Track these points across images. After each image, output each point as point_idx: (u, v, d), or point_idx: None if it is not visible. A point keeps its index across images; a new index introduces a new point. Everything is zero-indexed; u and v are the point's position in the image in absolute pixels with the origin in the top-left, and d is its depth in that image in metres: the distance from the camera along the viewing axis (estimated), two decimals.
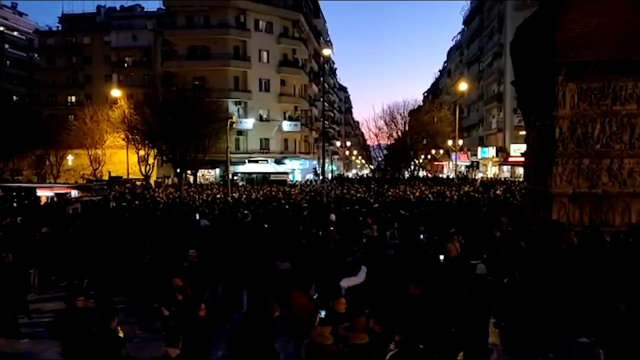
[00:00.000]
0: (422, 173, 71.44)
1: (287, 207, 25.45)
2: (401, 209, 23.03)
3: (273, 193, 35.50)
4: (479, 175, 65.13)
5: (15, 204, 28.00)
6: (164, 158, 41.68)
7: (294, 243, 14.16)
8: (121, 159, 49.88)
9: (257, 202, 29.56)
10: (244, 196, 34.06)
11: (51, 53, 77.24)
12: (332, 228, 15.63)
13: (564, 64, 17.67)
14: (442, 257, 11.90)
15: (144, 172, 47.35)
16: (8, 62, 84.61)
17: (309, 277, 10.47)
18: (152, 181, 48.91)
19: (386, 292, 9.91)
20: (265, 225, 18.31)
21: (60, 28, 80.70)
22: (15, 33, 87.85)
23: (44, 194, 32.08)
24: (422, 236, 15.16)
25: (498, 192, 34.47)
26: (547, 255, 12.04)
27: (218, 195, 34.64)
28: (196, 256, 11.99)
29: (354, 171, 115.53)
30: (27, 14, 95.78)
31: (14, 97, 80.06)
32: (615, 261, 11.34)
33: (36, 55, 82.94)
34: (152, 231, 16.68)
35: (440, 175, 72.32)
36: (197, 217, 21.25)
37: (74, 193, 33.26)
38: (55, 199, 30.30)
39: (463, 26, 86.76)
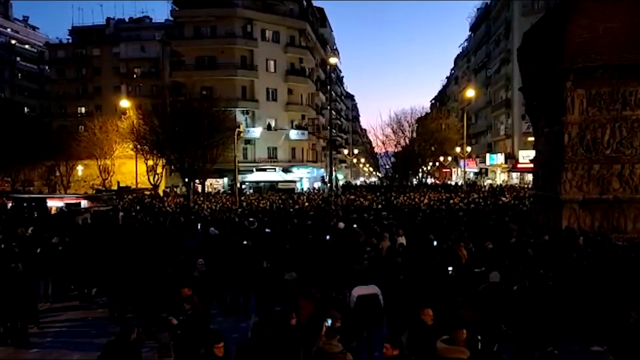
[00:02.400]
0: (430, 180, 71.22)
1: (294, 215, 25.45)
2: (410, 217, 22.96)
3: (280, 202, 35.49)
4: (488, 182, 64.82)
5: (26, 215, 28.15)
6: (172, 167, 41.80)
7: (301, 251, 14.14)
8: (130, 169, 50.05)
9: (265, 210, 29.59)
10: (254, 205, 34.08)
11: (61, 65, 78.15)
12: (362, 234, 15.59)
13: (573, 69, 17.62)
14: (450, 268, 11.76)
15: (152, 182, 47.53)
16: (19, 74, 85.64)
17: (318, 286, 10.43)
18: (160, 191, 49.06)
19: (395, 302, 9.84)
20: (272, 233, 18.32)
21: (70, 40, 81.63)
22: (27, 46, 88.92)
23: (54, 204, 32.23)
24: (434, 243, 15.08)
25: (504, 198, 34.30)
26: (557, 262, 11.93)
27: (227, 204, 34.70)
28: (204, 265, 12.02)
29: (361, 179, 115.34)
30: (38, 28, 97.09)
31: (25, 109, 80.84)
32: (628, 268, 11.21)
33: (47, 67, 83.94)
34: (160, 241, 16.72)
35: (449, 182, 72.05)
36: (199, 226, 21.32)
37: (84, 203, 33.39)
38: (65, 210, 30.42)
39: (470, 33, 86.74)
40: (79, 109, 77.06)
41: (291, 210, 28.93)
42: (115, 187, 47.66)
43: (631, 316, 7.94)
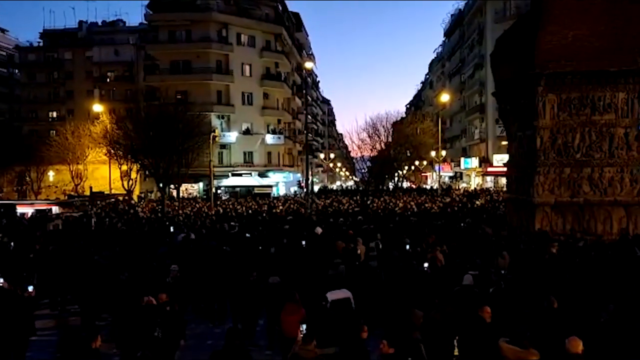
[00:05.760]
0: (406, 184, 71.71)
1: (271, 220, 25.35)
2: (386, 221, 23.04)
3: (256, 206, 35.33)
4: (462, 186, 65.55)
5: None
6: (147, 173, 41.32)
7: (279, 256, 14.07)
8: (103, 174, 49.26)
9: (242, 216, 29.38)
10: (229, 210, 33.84)
11: (32, 68, 76.64)
12: (339, 240, 15.52)
13: (544, 74, 17.96)
14: (426, 265, 11.89)
15: (126, 187, 46.88)
16: None
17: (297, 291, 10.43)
18: (135, 196, 48.40)
19: (372, 305, 9.86)
20: (250, 238, 18.20)
21: (41, 43, 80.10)
22: None
23: (24, 210, 31.52)
24: (407, 247, 15.14)
25: (477, 202, 34.76)
26: (531, 264, 12.09)
27: (204, 210, 34.40)
28: (178, 271, 11.89)
29: (338, 183, 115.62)
30: (8, 30, 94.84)
31: None
32: (599, 270, 11.41)
33: (17, 70, 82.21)
34: (134, 247, 16.46)
35: (424, 186, 72.68)
36: (172, 229, 21.12)
37: (55, 209, 32.73)
38: (36, 216, 29.77)
39: (444, 38, 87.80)
40: (50, 113, 75.69)
41: (265, 215, 28.79)
42: (88, 193, 46.86)
43: (602, 317, 8.08)
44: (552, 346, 7.19)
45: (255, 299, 11.04)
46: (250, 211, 32.17)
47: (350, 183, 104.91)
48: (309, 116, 65.94)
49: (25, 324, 9.93)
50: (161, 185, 36.23)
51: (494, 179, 58.04)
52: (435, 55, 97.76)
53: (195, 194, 54.99)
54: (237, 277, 11.75)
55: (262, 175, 59.62)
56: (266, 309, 10.84)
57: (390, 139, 55.20)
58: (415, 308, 8.87)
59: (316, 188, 60.79)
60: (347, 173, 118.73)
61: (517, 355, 6.63)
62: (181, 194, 50.16)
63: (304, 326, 7.35)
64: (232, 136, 57.33)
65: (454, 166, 75.66)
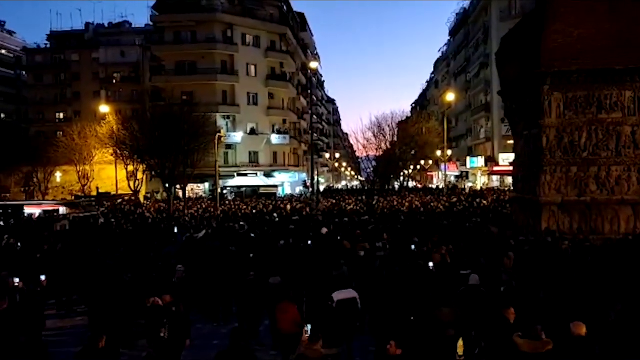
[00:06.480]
0: (411, 184, 71.61)
1: (276, 220, 25.39)
2: (392, 221, 23.02)
3: (261, 206, 35.37)
4: (469, 185, 65.32)
5: (2, 222, 27.59)
6: (153, 173, 41.44)
7: (283, 256, 14.08)
8: (110, 174, 49.46)
9: (248, 216, 29.41)
10: (234, 209, 33.91)
11: (39, 70, 77.21)
12: (345, 241, 15.48)
13: (549, 73, 17.89)
14: (431, 264, 11.89)
15: (132, 188, 47.04)
16: None
17: (299, 291, 10.44)
18: (141, 196, 48.55)
19: (377, 306, 9.85)
20: (255, 237, 18.23)
21: (48, 45, 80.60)
22: (3, 51, 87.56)
23: (32, 211, 31.69)
24: (413, 247, 15.11)
25: (484, 202, 34.65)
26: (540, 263, 12.04)
27: (210, 210, 34.48)
28: (184, 272, 11.92)
29: (343, 183, 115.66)
30: (15, 32, 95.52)
31: (2, 115, 79.70)
32: (608, 269, 11.35)
33: (24, 72, 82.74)
34: (140, 247, 16.52)
35: (430, 186, 72.55)
36: (176, 230, 21.17)
37: (63, 210, 32.88)
38: (44, 216, 29.94)
39: (449, 37, 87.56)
40: (57, 114, 76.19)
41: (274, 215, 28.82)
42: (94, 193, 47.06)
43: (611, 316, 8.05)
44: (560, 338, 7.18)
45: (260, 299, 11.06)
46: (254, 211, 32.21)
47: (356, 183, 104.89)
48: (314, 116, 66.06)
49: (36, 323, 9.99)
50: (167, 185, 36.32)
51: (500, 178, 57.81)
52: (441, 55, 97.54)
53: (201, 194, 55.17)
54: (242, 277, 11.77)
55: (267, 175, 59.72)
56: (267, 310, 10.85)
57: (395, 139, 55.08)
58: (429, 307, 8.89)
59: (322, 188, 60.85)
60: (353, 173, 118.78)
61: (534, 347, 6.66)
62: (187, 194, 50.26)
63: (309, 326, 7.35)
64: (237, 136, 57.44)
65: (460, 165, 75.43)
